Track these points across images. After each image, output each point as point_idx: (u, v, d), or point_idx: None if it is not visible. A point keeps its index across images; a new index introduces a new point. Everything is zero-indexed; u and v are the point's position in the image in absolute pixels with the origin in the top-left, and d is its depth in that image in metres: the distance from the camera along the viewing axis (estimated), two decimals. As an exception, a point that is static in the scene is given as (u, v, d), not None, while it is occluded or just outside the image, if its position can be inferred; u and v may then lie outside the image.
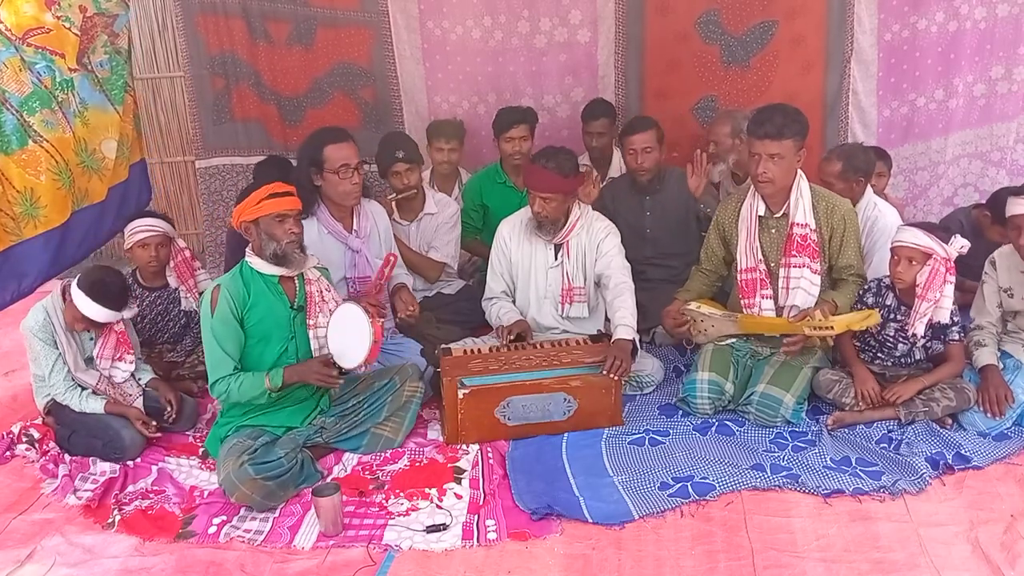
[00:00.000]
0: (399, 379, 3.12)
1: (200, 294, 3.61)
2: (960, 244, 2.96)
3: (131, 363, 3.18)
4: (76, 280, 3.01)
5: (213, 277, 3.42)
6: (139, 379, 3.25)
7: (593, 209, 3.66)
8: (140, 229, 3.46)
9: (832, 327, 2.96)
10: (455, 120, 4.40)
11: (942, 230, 3.03)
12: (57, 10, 3.40)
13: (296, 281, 2.94)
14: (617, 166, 4.41)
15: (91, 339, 3.14)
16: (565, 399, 3.09)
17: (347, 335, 2.86)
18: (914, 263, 2.98)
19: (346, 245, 3.40)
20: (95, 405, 3.05)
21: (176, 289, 3.59)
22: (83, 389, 3.08)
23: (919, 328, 3.00)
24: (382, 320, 3.02)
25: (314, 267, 2.99)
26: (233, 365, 2.83)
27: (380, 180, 4.06)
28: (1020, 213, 3.01)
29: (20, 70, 3.22)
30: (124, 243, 3.56)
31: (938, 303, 2.97)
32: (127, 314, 3.12)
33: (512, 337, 3.32)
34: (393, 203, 3.84)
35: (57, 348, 3.04)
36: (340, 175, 3.27)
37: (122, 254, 3.70)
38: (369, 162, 3.59)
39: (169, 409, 3.17)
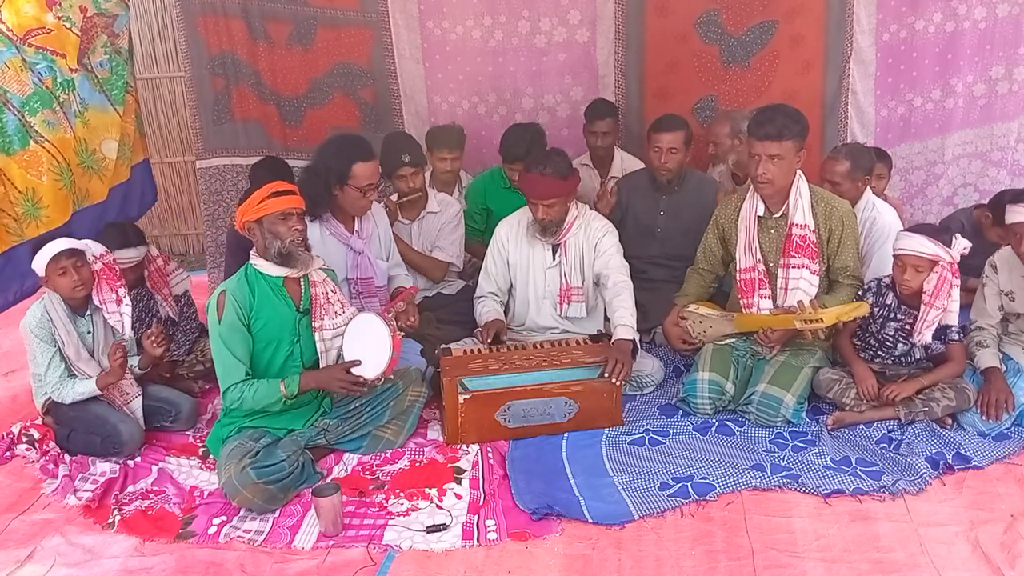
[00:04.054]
0: (403, 384, 3.11)
1: (175, 298, 3.62)
2: (962, 245, 2.97)
3: (128, 301, 3.19)
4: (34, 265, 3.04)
5: (198, 275, 3.37)
6: (132, 366, 3.21)
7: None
8: (122, 261, 3.33)
9: (822, 319, 2.96)
10: (455, 127, 4.32)
11: (942, 231, 3.03)
12: (58, 10, 3.40)
13: (301, 283, 2.94)
14: (619, 166, 4.41)
15: (88, 332, 3.15)
16: (566, 402, 3.09)
17: (365, 345, 2.86)
18: (920, 271, 2.98)
19: (348, 246, 3.40)
20: (87, 386, 3.04)
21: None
22: (75, 377, 3.08)
23: (927, 336, 3.00)
24: (402, 334, 3.01)
25: (320, 268, 2.98)
26: (244, 371, 2.82)
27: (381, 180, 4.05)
28: (1020, 221, 3.01)
29: (21, 70, 3.23)
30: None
31: (946, 309, 2.98)
32: (91, 244, 3.12)
33: (490, 339, 3.32)
34: (396, 205, 3.82)
35: (53, 346, 3.04)
36: (365, 193, 3.29)
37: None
38: (382, 178, 3.57)
39: (153, 334, 3.10)
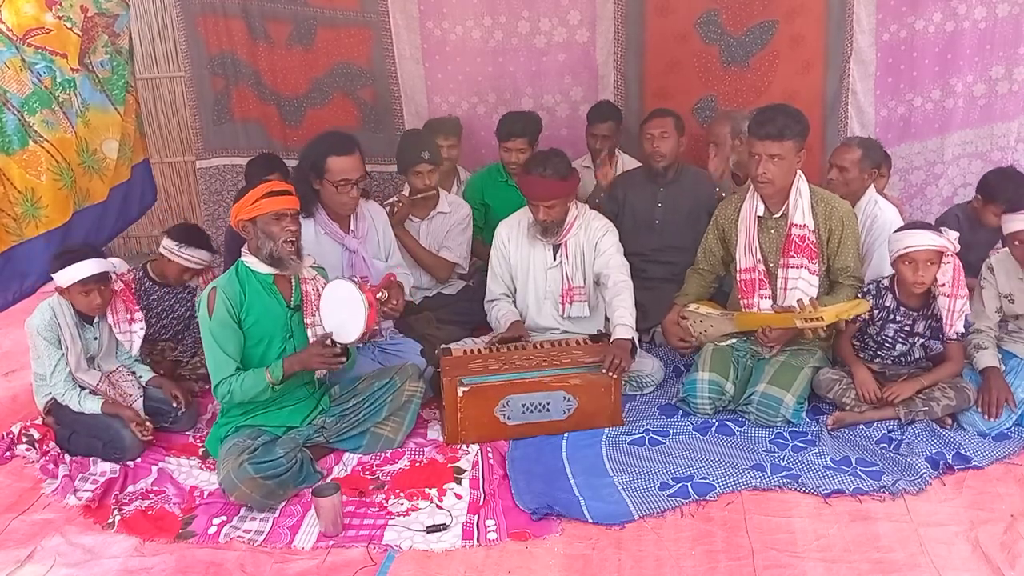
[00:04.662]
0: (399, 379, 3.12)
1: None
2: (954, 235, 3.00)
3: (142, 323, 3.21)
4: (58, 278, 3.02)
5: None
6: (140, 376, 3.25)
7: (605, 198, 3.60)
8: (194, 260, 3.42)
9: (822, 317, 2.96)
10: (452, 117, 4.38)
11: (931, 225, 3.08)
12: (59, 10, 3.40)
13: (292, 280, 2.94)
14: (620, 169, 4.40)
15: (95, 339, 3.15)
16: (565, 398, 3.09)
17: (341, 310, 2.85)
18: (932, 264, 2.99)
19: (343, 246, 3.40)
20: (92, 405, 3.04)
21: (187, 290, 3.59)
22: (82, 389, 3.09)
23: (959, 326, 3.01)
24: (369, 283, 3.01)
25: (310, 266, 2.98)
26: (235, 366, 2.82)
27: (375, 182, 4.04)
28: (1020, 229, 3.02)
29: (21, 70, 3.23)
30: (162, 249, 3.44)
31: (968, 296, 3.00)
32: (116, 263, 3.15)
33: (497, 340, 3.31)
34: (409, 201, 3.80)
35: (61, 348, 3.04)
36: (338, 188, 3.25)
37: (149, 251, 3.67)
38: (371, 176, 3.54)
39: (176, 404, 3.21)
